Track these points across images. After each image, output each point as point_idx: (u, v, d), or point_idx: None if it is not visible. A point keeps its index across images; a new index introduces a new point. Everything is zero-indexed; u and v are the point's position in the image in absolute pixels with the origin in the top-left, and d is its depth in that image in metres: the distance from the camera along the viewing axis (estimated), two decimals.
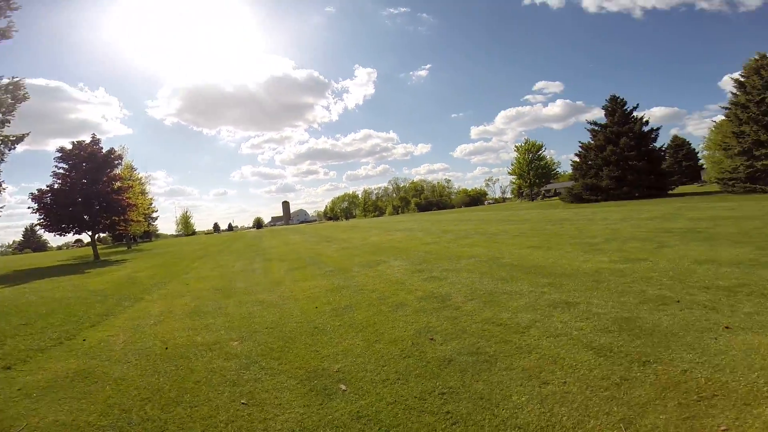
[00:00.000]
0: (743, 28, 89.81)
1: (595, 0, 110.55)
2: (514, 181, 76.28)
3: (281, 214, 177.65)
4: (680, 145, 58.98)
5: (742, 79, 28.82)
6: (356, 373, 3.33)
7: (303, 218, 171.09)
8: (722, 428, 2.15)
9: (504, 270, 7.02)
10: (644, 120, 36.02)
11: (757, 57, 27.84)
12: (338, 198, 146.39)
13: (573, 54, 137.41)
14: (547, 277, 6.10)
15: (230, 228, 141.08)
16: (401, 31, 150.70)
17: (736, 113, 28.34)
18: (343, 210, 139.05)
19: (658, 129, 36.10)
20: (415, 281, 6.84)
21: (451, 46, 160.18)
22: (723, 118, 31.79)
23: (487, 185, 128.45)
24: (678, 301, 4.36)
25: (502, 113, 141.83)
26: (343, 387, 3.10)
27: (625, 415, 2.36)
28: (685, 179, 52.26)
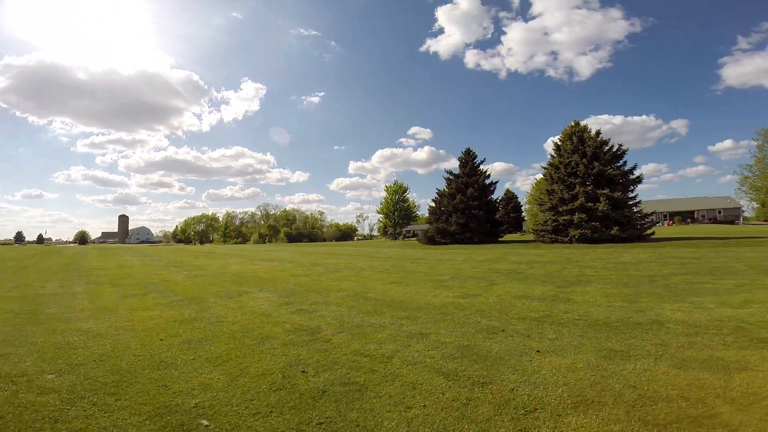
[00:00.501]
0: (575, 96, 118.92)
1: (474, 57, 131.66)
2: (381, 219, 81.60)
3: (116, 230, 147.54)
4: (510, 198, 70.89)
5: (559, 143, 33.28)
6: (219, 408, 3.09)
7: (145, 237, 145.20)
8: None
9: (369, 304, 7.46)
10: (487, 173, 41.81)
11: (572, 124, 32.67)
12: (193, 218, 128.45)
13: (444, 103, 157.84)
14: (406, 311, 6.77)
15: (40, 240, 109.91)
16: (305, 54, 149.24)
17: (551, 173, 32.99)
18: (198, 233, 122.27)
19: (496, 182, 42.23)
20: (284, 314, 6.69)
21: (349, 78, 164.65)
22: (541, 176, 38.23)
23: (358, 221, 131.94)
24: (503, 330, 5.38)
25: (380, 152, 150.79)
26: (205, 422, 2.83)
27: (474, 430, 2.81)
28: (511, 228, 62.12)
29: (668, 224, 59.53)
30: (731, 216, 61.30)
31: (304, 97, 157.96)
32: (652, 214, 31.95)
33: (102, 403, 3.21)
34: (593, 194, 29.36)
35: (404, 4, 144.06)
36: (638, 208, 30.69)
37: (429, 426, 2.89)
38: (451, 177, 42.40)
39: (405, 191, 77.18)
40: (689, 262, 13.55)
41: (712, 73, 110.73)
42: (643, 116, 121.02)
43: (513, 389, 3.48)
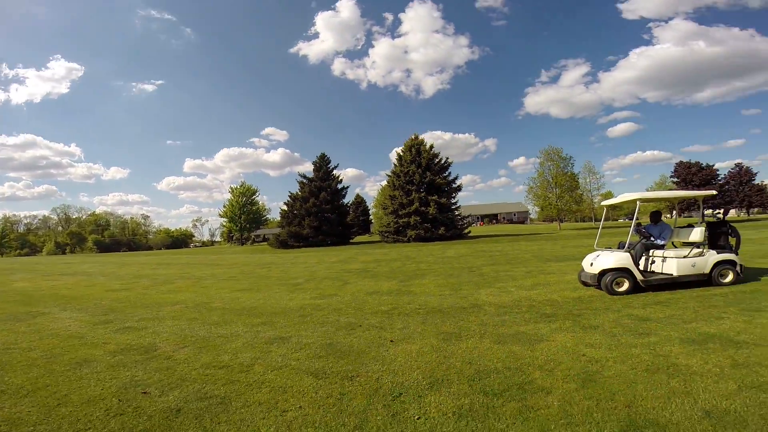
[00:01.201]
0: (419, 111, 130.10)
1: (341, 65, 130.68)
2: (225, 224, 73.87)
3: None
4: (360, 202, 74.29)
5: (401, 153, 36.67)
6: None
7: None
8: (416, 417, 3.02)
9: (216, 314, 6.74)
10: (340, 178, 43.33)
11: (413, 137, 36.40)
12: None
13: (304, 106, 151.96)
14: (260, 317, 6.42)
15: None
16: (148, 37, 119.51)
17: (393, 180, 36.67)
18: None
19: (347, 187, 44.08)
20: (102, 333, 5.43)
21: (199, 69, 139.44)
22: (386, 183, 41.72)
23: (195, 226, 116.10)
24: (360, 326, 5.71)
25: (225, 150, 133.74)
26: None
27: (354, 422, 2.90)
28: (361, 230, 65.82)
29: (480, 224, 73.94)
30: (522, 217, 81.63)
31: (134, 84, 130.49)
32: (468, 216, 39.88)
33: None
34: (426, 200, 34.16)
35: (286, 3, 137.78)
36: (459, 212, 37.16)
37: (310, 425, 2.85)
38: (305, 181, 42.41)
39: (254, 194, 70.83)
40: (494, 254, 17.09)
41: (519, 100, 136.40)
42: (467, 134, 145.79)
43: (378, 378, 3.74)
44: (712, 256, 6.75)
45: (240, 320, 6.19)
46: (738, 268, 6.77)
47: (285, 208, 42.90)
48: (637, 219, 7.62)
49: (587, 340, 4.62)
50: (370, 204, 75.83)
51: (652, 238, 7.52)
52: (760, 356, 3.58)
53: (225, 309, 7.18)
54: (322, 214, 39.54)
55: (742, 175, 48.03)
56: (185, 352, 4.50)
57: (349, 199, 47.38)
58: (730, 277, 6.74)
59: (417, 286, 9.27)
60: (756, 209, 48.69)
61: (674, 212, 9.21)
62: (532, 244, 22.55)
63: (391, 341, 4.89)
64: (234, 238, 73.93)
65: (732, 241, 7.02)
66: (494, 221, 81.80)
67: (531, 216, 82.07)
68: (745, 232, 7.43)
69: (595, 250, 7.63)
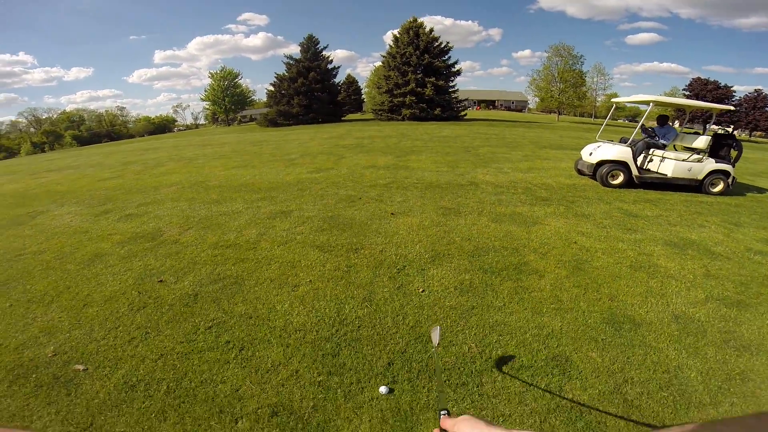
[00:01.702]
0: None
1: None
2: (207, 107, 70.31)
3: None
4: (352, 82, 71.55)
5: (397, 35, 36.03)
6: (84, 347, 2.54)
7: None
8: (420, 290, 3.18)
9: (213, 192, 6.70)
10: (330, 59, 41.61)
11: (411, 19, 35.47)
12: None
13: None
14: (258, 192, 6.40)
15: None
16: None
17: (388, 61, 36.35)
18: None
19: (338, 67, 42.62)
20: (105, 225, 5.35)
21: None
22: (380, 64, 40.89)
23: (176, 112, 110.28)
24: (360, 198, 5.75)
25: (198, 39, 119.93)
26: (80, 366, 2.34)
27: (362, 293, 3.09)
28: (353, 109, 64.66)
29: (476, 109, 71.80)
30: (520, 106, 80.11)
31: None
32: (465, 100, 39.47)
33: None
34: (422, 81, 33.82)
35: None
36: (456, 95, 36.52)
37: (321, 299, 3.05)
38: (291, 62, 40.70)
39: (236, 77, 67.08)
40: (491, 137, 16.69)
41: None
42: (469, 21, 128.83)
43: (382, 251, 3.90)
44: (710, 164, 6.81)
45: (239, 197, 6.19)
46: (729, 180, 6.88)
47: (272, 88, 41.81)
48: (642, 123, 7.56)
49: (579, 228, 4.78)
50: (362, 84, 72.56)
51: (656, 138, 7.46)
52: (729, 270, 3.75)
53: (222, 186, 7.13)
54: (311, 93, 38.90)
55: (758, 100, 46.60)
56: (191, 234, 4.56)
57: (340, 79, 46.18)
58: (719, 187, 6.89)
59: (413, 161, 9.22)
60: (759, 132, 48.07)
61: (684, 121, 8.91)
62: (530, 131, 21.93)
63: (392, 214, 5.01)
64: (219, 119, 70.71)
65: (733, 154, 7.02)
66: (491, 107, 79.05)
67: (529, 106, 79.35)
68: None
69: (597, 142, 7.62)
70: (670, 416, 2.01)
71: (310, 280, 3.33)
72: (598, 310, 2.97)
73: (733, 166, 6.93)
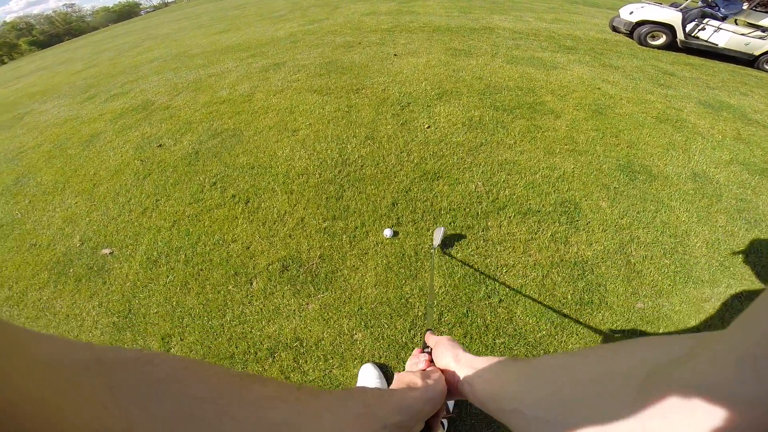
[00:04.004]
0: None
1: None
2: None
3: None
4: None
5: None
6: (106, 229, 2.58)
7: None
8: (425, 126, 3.00)
9: (198, 59, 6.10)
10: None
11: None
12: None
13: None
14: (248, 51, 5.82)
15: None
16: None
17: None
18: None
19: None
20: (94, 108, 5.00)
21: None
22: None
23: None
24: (360, 43, 5.21)
25: None
26: (107, 251, 2.42)
27: (364, 132, 2.96)
28: None
29: None
30: None
31: None
32: None
33: None
34: None
35: None
36: None
37: (322, 140, 2.94)
38: None
39: None
40: None
41: None
42: None
43: (384, 89, 3.64)
44: None
45: (226, 57, 5.67)
46: None
47: None
48: None
49: (606, 76, 4.28)
50: None
51: (717, 7, 6.41)
52: (762, 138, 3.32)
53: (207, 52, 6.48)
54: None
55: None
56: (182, 98, 4.29)
57: None
58: None
59: (419, 6, 8.12)
60: None
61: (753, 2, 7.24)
62: None
63: (395, 55, 4.60)
64: None
65: None
66: None
67: None
68: None
69: (641, 2, 6.73)
70: (668, 288, 1.89)
71: (310, 123, 3.18)
72: (614, 156, 2.79)
73: None
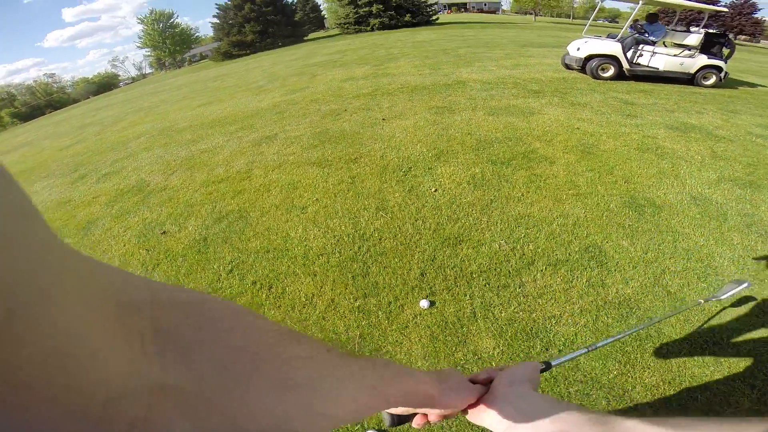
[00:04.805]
0: None
1: None
2: (149, 53, 62.74)
3: None
4: (307, 0, 63.51)
5: None
6: None
7: None
8: (432, 190, 2.94)
9: (187, 133, 5.99)
10: None
11: None
12: None
13: None
14: (235, 124, 5.76)
15: None
16: None
17: None
18: None
19: None
20: (86, 190, 4.67)
21: None
22: None
23: (115, 66, 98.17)
24: (345, 110, 5.24)
25: None
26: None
27: (374, 203, 2.85)
28: (314, 28, 59.14)
29: (447, 12, 65.24)
30: (494, 8, 73.53)
31: None
32: (435, 3, 35.37)
33: None
34: None
35: None
36: None
37: (335, 216, 2.79)
38: None
39: (170, 17, 58.96)
40: (468, 38, 15.25)
41: None
42: None
43: (382, 156, 3.59)
44: (701, 59, 6.54)
45: (215, 131, 5.57)
46: (722, 74, 6.63)
47: (216, 21, 38.35)
48: (635, 19, 7.14)
49: (578, 115, 4.49)
50: (320, 0, 64.59)
51: (646, 34, 7.10)
52: (735, 152, 3.55)
53: (194, 126, 6.38)
54: (263, 17, 35.65)
55: (745, 6, 46.50)
56: (177, 177, 4.09)
57: None
58: (712, 80, 6.69)
59: (393, 68, 8.41)
60: (744, 36, 47.39)
61: (672, 22, 8.26)
62: (507, 31, 20.09)
63: (383, 119, 4.63)
64: (167, 63, 63.69)
65: (726, 52, 6.72)
66: (462, 10, 71.61)
67: (503, 7, 72.47)
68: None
69: (583, 38, 7.25)
70: (714, 307, 1.88)
71: (317, 199, 3.04)
72: (616, 194, 2.82)
73: (726, 63, 6.63)
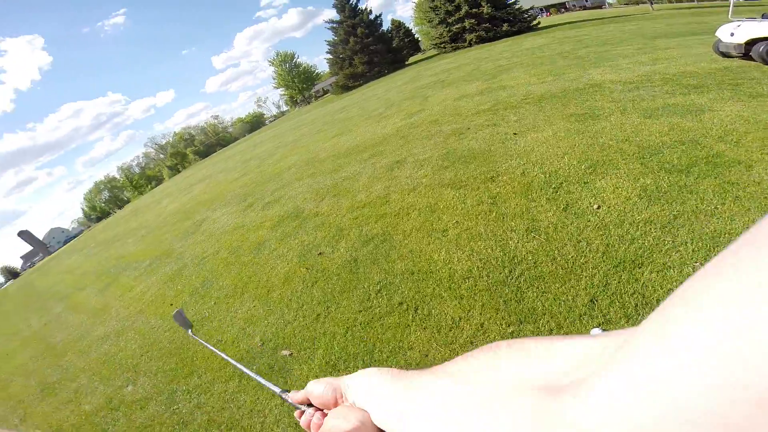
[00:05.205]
0: None
1: None
2: (284, 92, 73.84)
3: (30, 249, 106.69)
4: (398, 26, 66.77)
5: None
6: (283, 331, 2.83)
7: (64, 238, 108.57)
8: (594, 207, 2.68)
9: (328, 163, 6.73)
10: (369, 10, 39.57)
11: None
12: (91, 191, 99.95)
13: None
14: (366, 151, 6.19)
15: None
16: None
17: None
18: (108, 200, 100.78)
19: (380, 15, 40.54)
20: (254, 216, 5.70)
21: None
22: None
23: (260, 106, 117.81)
24: (468, 128, 5.12)
25: (239, 35, 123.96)
26: (287, 352, 2.56)
27: (523, 225, 2.69)
28: (412, 52, 60.98)
29: (546, 15, 60.45)
30: (598, 3, 64.64)
31: (101, 23, 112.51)
32: (531, 8, 33.04)
33: None
34: (474, 1, 29.54)
35: None
36: (518, 5, 31.18)
37: (479, 239, 2.71)
38: (335, 25, 39.74)
39: (293, 58, 69.56)
40: (583, 38, 13.64)
41: None
42: None
43: (523, 173, 3.34)
44: None
45: (351, 160, 6.09)
46: None
47: (329, 56, 41.80)
48: None
49: (766, 107, 3.45)
50: (411, 24, 67.47)
51: None
52: None
53: (332, 156, 7.13)
54: (367, 48, 37.87)
55: None
56: (326, 204, 4.60)
57: (386, 27, 44.57)
58: None
59: (508, 80, 7.90)
60: None
61: None
62: (626, 24, 17.33)
63: (515, 134, 4.31)
64: (298, 101, 73.90)
65: None
66: (563, 10, 65.17)
67: (609, 1, 63.61)
68: None
69: (732, 21, 5.96)
70: None
71: (456, 221, 2.99)
72: None
73: None
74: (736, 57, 5.80)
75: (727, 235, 2.06)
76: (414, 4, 43.24)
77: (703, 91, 4.36)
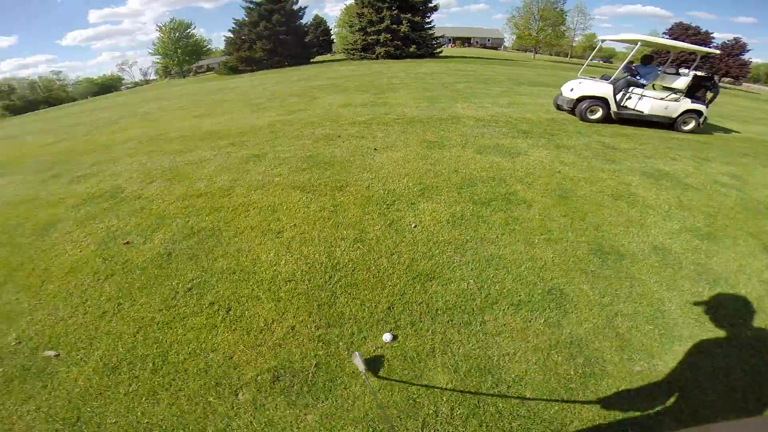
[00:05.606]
0: None
1: None
2: (158, 61, 64.28)
3: None
4: (320, 23, 66.51)
5: None
6: (53, 329, 2.28)
7: None
8: (412, 225, 2.98)
9: (175, 143, 6.02)
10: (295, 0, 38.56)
11: None
12: None
13: None
14: (226, 138, 5.81)
15: None
16: None
17: None
18: None
19: (305, 8, 39.35)
20: (56, 189, 4.63)
21: None
22: (352, 2, 37.94)
23: (122, 69, 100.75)
24: (339, 136, 5.34)
25: None
26: (51, 353, 2.13)
27: (353, 234, 2.86)
28: (322, 51, 61.01)
29: (451, 46, 68.58)
30: (497, 44, 78.20)
31: None
32: (441, 37, 37.48)
33: None
34: (397, 18, 31.83)
35: None
36: (432, 32, 34.67)
37: (309, 243, 2.79)
38: (252, 6, 37.71)
39: (188, 27, 61.23)
40: (468, 73, 15.89)
41: None
42: None
43: (368, 187, 3.64)
44: (685, 104, 6.91)
45: (204, 144, 5.61)
46: (701, 119, 7.02)
47: (230, 35, 39.17)
48: (630, 60, 7.59)
49: (562, 158, 4.67)
50: (333, 24, 67.81)
51: (638, 77, 7.44)
52: (699, 201, 3.79)
53: (184, 137, 6.43)
54: (276, 37, 36.34)
55: (735, 48, 48.22)
56: (155, 187, 4.09)
57: (307, 20, 43.40)
58: (691, 126, 7.06)
59: (392, 98, 8.65)
60: (728, 79, 49.69)
61: (666, 63, 8.79)
62: (506, 68, 21.08)
63: (375, 149, 4.72)
64: (172, 72, 64.94)
65: (708, 95, 7.09)
66: (467, 44, 75.61)
67: (505, 44, 76.87)
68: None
69: (578, 78, 7.62)
70: (658, 349, 2.04)
71: (295, 224, 3.05)
72: (585, 241, 2.92)
73: (707, 107, 7.02)
74: (567, 111, 7.45)
75: (497, 259, 2.64)
76: (344, 6, 43.69)
77: (527, 137, 5.54)
